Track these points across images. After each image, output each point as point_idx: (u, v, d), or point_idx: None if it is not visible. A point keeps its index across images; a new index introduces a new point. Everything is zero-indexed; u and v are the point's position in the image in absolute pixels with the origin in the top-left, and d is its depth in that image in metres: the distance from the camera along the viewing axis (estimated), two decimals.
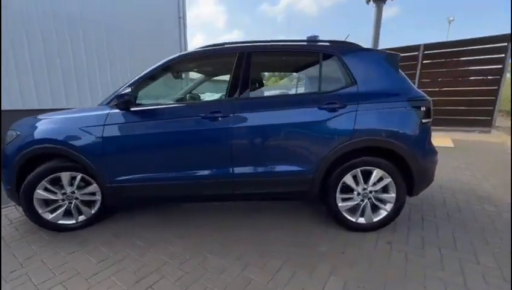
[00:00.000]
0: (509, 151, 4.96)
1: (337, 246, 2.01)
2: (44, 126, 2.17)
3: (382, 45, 10.25)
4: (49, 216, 2.19)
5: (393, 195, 2.11)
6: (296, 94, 2.15)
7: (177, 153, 2.10)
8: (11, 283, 1.66)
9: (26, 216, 2.21)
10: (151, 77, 2.21)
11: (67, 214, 2.25)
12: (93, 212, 2.31)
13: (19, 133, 2.16)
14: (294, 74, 2.48)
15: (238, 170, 2.08)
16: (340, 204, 2.15)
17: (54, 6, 5.89)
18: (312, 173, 2.07)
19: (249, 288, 1.59)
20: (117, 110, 2.08)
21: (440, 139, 6.02)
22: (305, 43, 2.23)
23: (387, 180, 2.08)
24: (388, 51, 2.19)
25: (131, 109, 2.08)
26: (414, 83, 8.32)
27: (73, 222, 2.27)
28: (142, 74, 2.15)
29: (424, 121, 2.07)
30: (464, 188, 3.20)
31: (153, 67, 2.17)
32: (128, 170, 2.11)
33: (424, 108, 2.07)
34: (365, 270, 1.73)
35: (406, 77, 2.19)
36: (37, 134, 2.12)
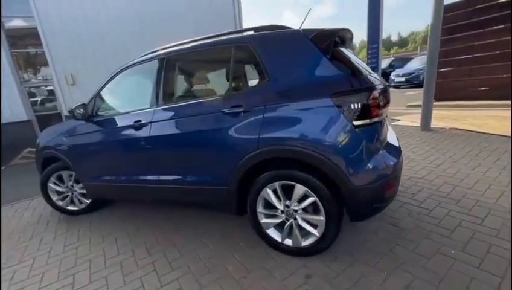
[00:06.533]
0: None
1: (248, 268, 1.79)
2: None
3: None
4: (60, 203, 2.92)
5: (322, 218, 1.66)
6: (206, 99, 1.93)
7: (119, 160, 2.34)
8: (15, 250, 2.37)
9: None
10: (106, 89, 2.46)
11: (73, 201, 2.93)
12: (88, 201, 2.91)
13: (38, 141, 2.92)
14: (211, 75, 2.20)
15: (163, 177, 2.13)
16: (262, 220, 1.87)
17: None
18: (226, 185, 1.88)
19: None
20: (83, 122, 2.48)
21: None
22: (220, 38, 1.93)
23: (312, 199, 1.65)
24: (320, 29, 1.63)
25: (94, 120, 2.45)
26: None
27: (76, 208, 2.94)
28: (98, 88, 2.44)
29: (356, 123, 1.48)
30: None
31: (103, 82, 2.43)
32: (90, 171, 2.52)
33: (356, 105, 1.47)
34: None
35: (347, 63, 1.60)
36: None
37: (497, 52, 6.66)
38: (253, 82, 1.94)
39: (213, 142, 1.84)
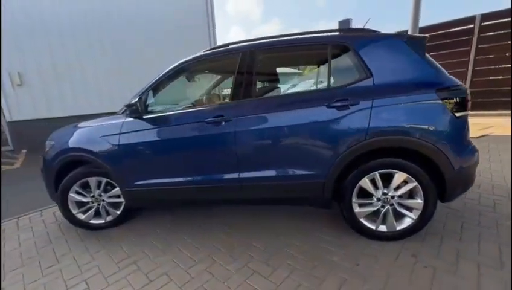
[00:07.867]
0: None
1: (352, 256, 1.84)
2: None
3: (425, 21, 8.83)
4: (82, 216, 2.44)
5: (420, 201, 1.84)
6: (302, 92, 1.98)
7: (185, 159, 2.13)
8: (47, 276, 1.89)
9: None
10: (161, 83, 2.24)
11: (97, 214, 2.48)
12: (118, 213, 2.50)
13: (53, 143, 2.42)
14: (303, 70, 2.29)
15: (245, 174, 2.03)
16: (356, 210, 1.96)
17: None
18: (323, 177, 1.92)
19: None
20: (130, 119, 2.18)
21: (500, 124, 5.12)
22: (312, 35, 2.03)
23: (413, 184, 1.82)
24: (411, 34, 1.87)
25: (144, 117, 2.17)
26: (468, 62, 7.30)
27: (103, 221, 2.49)
28: (151, 82, 2.21)
29: (457, 114, 1.74)
30: None
31: (161, 74, 2.21)
32: (141, 175, 2.21)
33: (457, 99, 1.74)
34: (381, 286, 1.56)
35: (435, 63, 1.86)
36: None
37: None
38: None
39: (314, 135, 1.87)
